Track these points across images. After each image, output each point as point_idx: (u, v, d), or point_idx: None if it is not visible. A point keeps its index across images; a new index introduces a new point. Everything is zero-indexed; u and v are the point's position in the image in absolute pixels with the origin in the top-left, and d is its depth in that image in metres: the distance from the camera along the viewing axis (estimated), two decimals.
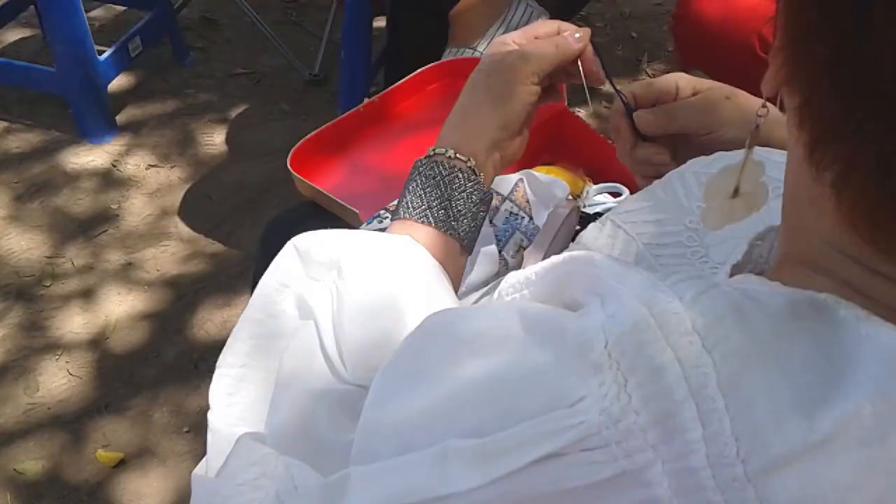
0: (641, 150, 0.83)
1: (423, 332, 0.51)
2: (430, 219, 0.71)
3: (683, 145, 0.83)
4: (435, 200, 0.72)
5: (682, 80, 0.84)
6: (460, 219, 0.73)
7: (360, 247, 0.67)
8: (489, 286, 0.92)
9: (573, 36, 0.80)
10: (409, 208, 0.72)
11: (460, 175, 0.73)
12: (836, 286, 0.44)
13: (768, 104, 0.50)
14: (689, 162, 0.78)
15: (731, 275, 0.63)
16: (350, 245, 0.67)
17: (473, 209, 0.74)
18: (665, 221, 0.74)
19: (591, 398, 0.41)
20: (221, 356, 0.65)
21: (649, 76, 2.61)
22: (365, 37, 1.99)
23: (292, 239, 0.67)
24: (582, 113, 2.49)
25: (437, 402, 0.45)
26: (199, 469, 0.67)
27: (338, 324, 0.62)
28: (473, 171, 0.74)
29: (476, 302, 0.90)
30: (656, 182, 0.78)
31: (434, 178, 0.73)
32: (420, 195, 0.72)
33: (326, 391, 0.60)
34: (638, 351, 0.41)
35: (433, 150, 0.74)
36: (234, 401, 0.64)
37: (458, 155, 0.73)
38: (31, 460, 1.57)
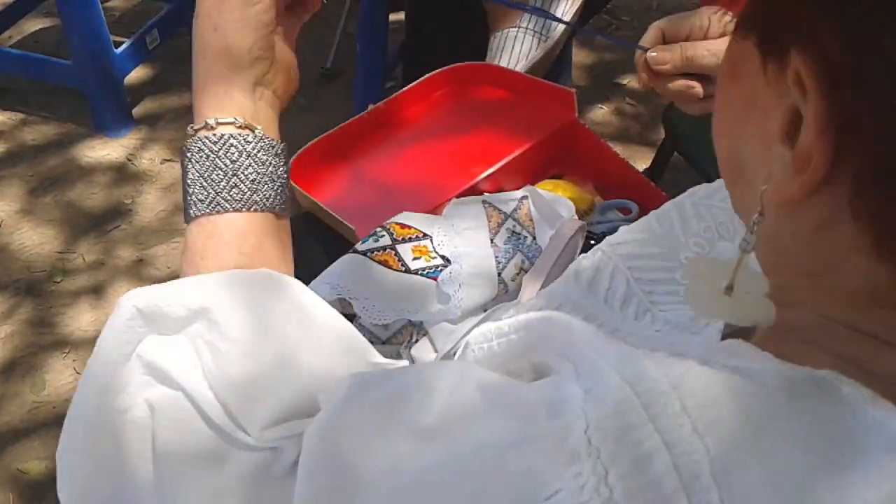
0: (674, 84, 0.81)
1: (364, 405, 0.45)
2: (226, 203, 0.61)
3: (707, 85, 0.81)
4: (222, 182, 0.61)
5: (714, 18, 0.80)
6: (258, 189, 0.62)
7: (224, 291, 0.57)
8: (483, 315, 0.88)
9: None
10: (196, 203, 0.61)
11: (234, 141, 0.62)
12: (834, 360, 0.40)
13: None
14: (689, 191, 0.74)
15: (725, 327, 0.58)
16: (210, 295, 0.56)
17: (268, 169, 0.64)
18: (659, 256, 0.69)
19: (566, 491, 0.36)
20: (63, 440, 0.54)
21: None
22: (381, 29, 1.95)
23: (127, 297, 0.56)
24: (604, 109, 2.44)
25: (392, 496, 0.40)
26: None
27: (221, 385, 0.53)
28: (248, 127, 0.64)
29: (471, 329, 0.86)
30: (652, 213, 0.74)
31: (208, 157, 0.62)
32: (202, 184, 0.61)
33: (237, 471, 0.52)
34: (621, 436, 0.36)
35: (192, 127, 0.63)
36: (92, 493, 0.54)
37: (219, 120, 0.63)
38: (34, 460, 1.56)
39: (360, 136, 1.19)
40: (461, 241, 0.95)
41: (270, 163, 0.64)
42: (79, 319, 1.80)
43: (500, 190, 1.13)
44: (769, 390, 0.37)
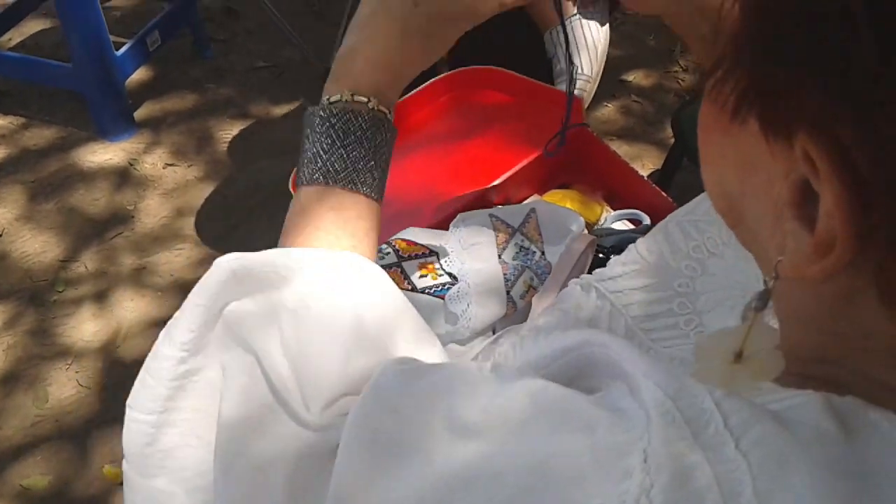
0: None
1: (405, 393, 0.44)
2: (358, 184, 0.60)
3: None
4: (360, 162, 0.60)
5: None
6: (383, 178, 0.62)
7: (316, 268, 0.57)
8: (493, 337, 0.85)
9: None
10: (329, 171, 0.60)
11: (382, 128, 0.61)
12: (855, 378, 0.38)
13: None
14: (671, 214, 0.71)
15: None
16: (304, 266, 0.56)
17: (388, 163, 0.63)
18: (652, 287, 0.67)
19: (601, 501, 0.34)
20: (133, 395, 0.56)
21: (682, 67, 2.51)
22: None
23: (222, 259, 0.56)
24: (610, 107, 2.40)
25: (419, 493, 0.38)
26: None
27: (297, 354, 0.52)
28: (391, 121, 0.63)
29: (481, 352, 0.83)
30: (640, 240, 0.71)
31: (354, 132, 0.60)
32: (342, 155, 0.60)
33: (286, 447, 0.51)
34: (665, 448, 0.35)
35: (350, 94, 0.61)
36: (153, 450, 0.55)
37: (380, 107, 0.61)
38: (37, 475, 1.54)
39: None
40: (468, 257, 0.92)
41: (390, 153, 0.63)
42: (81, 330, 1.78)
43: (508, 200, 1.10)
44: (804, 416, 0.36)
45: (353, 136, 0.60)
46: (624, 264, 0.69)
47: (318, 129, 0.61)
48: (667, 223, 0.71)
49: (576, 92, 1.55)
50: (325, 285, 0.55)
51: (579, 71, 1.55)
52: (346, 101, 0.61)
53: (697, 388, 0.37)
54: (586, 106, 1.58)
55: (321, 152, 0.60)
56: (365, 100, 0.61)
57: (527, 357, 0.49)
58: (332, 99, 0.61)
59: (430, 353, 0.58)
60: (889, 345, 0.37)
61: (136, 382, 0.55)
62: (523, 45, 1.49)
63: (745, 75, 0.36)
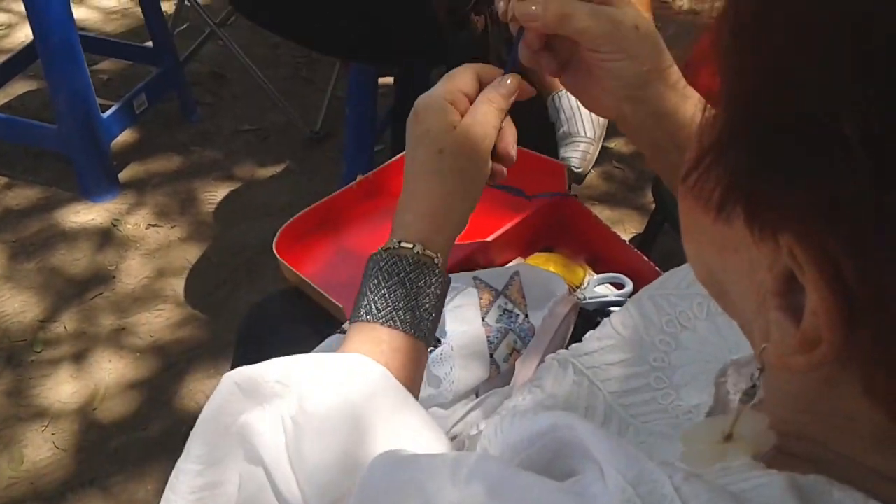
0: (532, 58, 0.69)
1: (385, 485, 0.45)
2: (397, 322, 0.64)
3: (575, 70, 0.69)
4: (401, 301, 0.64)
5: None
6: (426, 318, 0.65)
7: (312, 373, 0.60)
8: (476, 401, 0.85)
9: (502, 83, 0.69)
10: (371, 310, 0.64)
11: (426, 271, 0.65)
12: (836, 458, 0.39)
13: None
14: (644, 289, 0.72)
15: None
16: (301, 372, 0.60)
17: (437, 304, 0.67)
18: (629, 362, 0.68)
19: None
20: None
21: None
22: (370, 93, 1.95)
23: (229, 374, 0.60)
24: (592, 173, 2.44)
25: None
26: None
27: (297, 458, 0.56)
28: (438, 265, 0.67)
29: (464, 416, 0.83)
30: (614, 315, 0.72)
31: (398, 274, 0.65)
32: (384, 295, 0.64)
33: None
34: None
35: (397, 242, 0.66)
36: None
37: (426, 251, 0.66)
38: None
39: (347, 209, 1.17)
40: (452, 319, 0.92)
41: (440, 299, 0.67)
42: (58, 391, 1.75)
43: (491, 263, 1.11)
44: (774, 495, 0.36)
45: (395, 279, 0.64)
46: (599, 339, 0.70)
47: (369, 273, 0.66)
48: (640, 297, 0.72)
49: (579, 154, 1.58)
50: (323, 389, 0.59)
51: (582, 134, 1.58)
52: (394, 248, 0.66)
53: (657, 473, 0.37)
54: (590, 167, 1.61)
55: (367, 292, 0.65)
56: (410, 245, 0.66)
57: (507, 440, 0.50)
58: (384, 247, 0.67)
59: (433, 447, 0.59)
60: (872, 430, 0.37)
61: (162, 500, 0.59)
62: (525, 111, 1.52)
63: (729, 174, 0.36)
